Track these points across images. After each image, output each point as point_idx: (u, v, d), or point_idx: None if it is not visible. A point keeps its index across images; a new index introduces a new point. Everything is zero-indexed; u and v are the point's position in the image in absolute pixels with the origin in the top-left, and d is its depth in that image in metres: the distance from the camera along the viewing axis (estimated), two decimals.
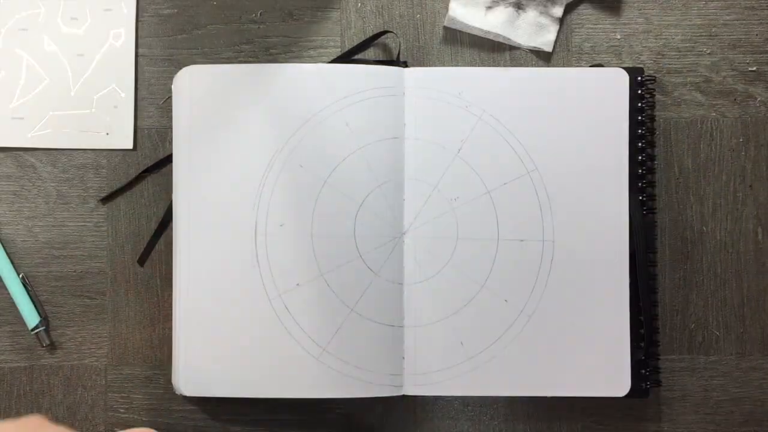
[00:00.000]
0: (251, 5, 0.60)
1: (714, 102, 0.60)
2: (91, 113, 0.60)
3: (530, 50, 0.60)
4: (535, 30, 0.60)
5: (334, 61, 0.59)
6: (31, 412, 0.59)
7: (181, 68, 0.58)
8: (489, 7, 0.60)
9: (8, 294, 0.59)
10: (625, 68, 0.58)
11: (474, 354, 0.57)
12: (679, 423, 0.59)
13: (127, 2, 0.60)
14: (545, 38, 0.60)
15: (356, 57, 0.60)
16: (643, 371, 0.57)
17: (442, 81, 0.58)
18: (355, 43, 0.60)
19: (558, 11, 0.60)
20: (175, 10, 0.61)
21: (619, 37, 0.60)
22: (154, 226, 0.60)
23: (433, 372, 0.57)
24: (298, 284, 0.57)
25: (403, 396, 0.57)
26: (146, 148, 0.60)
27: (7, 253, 0.59)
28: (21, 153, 0.60)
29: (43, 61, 0.60)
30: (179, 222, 0.57)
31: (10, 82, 0.60)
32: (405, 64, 0.59)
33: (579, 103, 0.57)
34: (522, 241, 0.57)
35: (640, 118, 0.58)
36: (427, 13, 0.61)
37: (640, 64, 0.60)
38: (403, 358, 0.57)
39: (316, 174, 0.57)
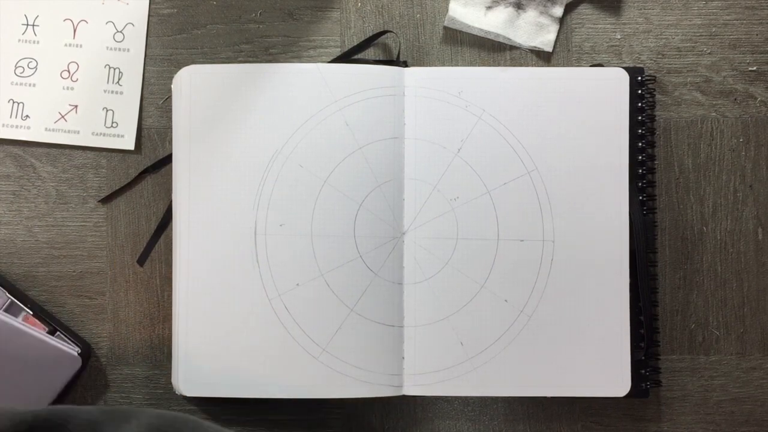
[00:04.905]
0: (251, 5, 0.60)
1: (714, 102, 0.60)
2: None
3: (530, 50, 0.60)
4: (535, 30, 0.60)
5: (334, 61, 0.59)
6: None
7: (181, 68, 0.58)
8: (489, 7, 0.60)
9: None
10: (625, 68, 0.58)
11: (474, 354, 0.57)
12: (679, 423, 0.59)
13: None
14: (545, 38, 0.60)
15: (356, 57, 0.60)
16: (643, 371, 0.57)
17: (442, 81, 0.58)
18: (355, 43, 0.60)
19: (558, 11, 0.60)
20: (175, 10, 0.60)
21: (619, 37, 0.60)
22: (153, 226, 0.60)
23: (433, 372, 0.57)
24: (298, 284, 0.57)
25: (403, 396, 0.57)
26: (146, 148, 0.60)
27: None
28: (21, 153, 0.60)
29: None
30: (179, 222, 0.57)
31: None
32: (405, 64, 0.59)
33: (579, 103, 0.57)
34: (522, 241, 0.57)
35: (640, 118, 0.58)
36: (427, 13, 0.60)
37: (640, 64, 0.60)
38: (403, 358, 0.57)
39: (316, 174, 0.57)
